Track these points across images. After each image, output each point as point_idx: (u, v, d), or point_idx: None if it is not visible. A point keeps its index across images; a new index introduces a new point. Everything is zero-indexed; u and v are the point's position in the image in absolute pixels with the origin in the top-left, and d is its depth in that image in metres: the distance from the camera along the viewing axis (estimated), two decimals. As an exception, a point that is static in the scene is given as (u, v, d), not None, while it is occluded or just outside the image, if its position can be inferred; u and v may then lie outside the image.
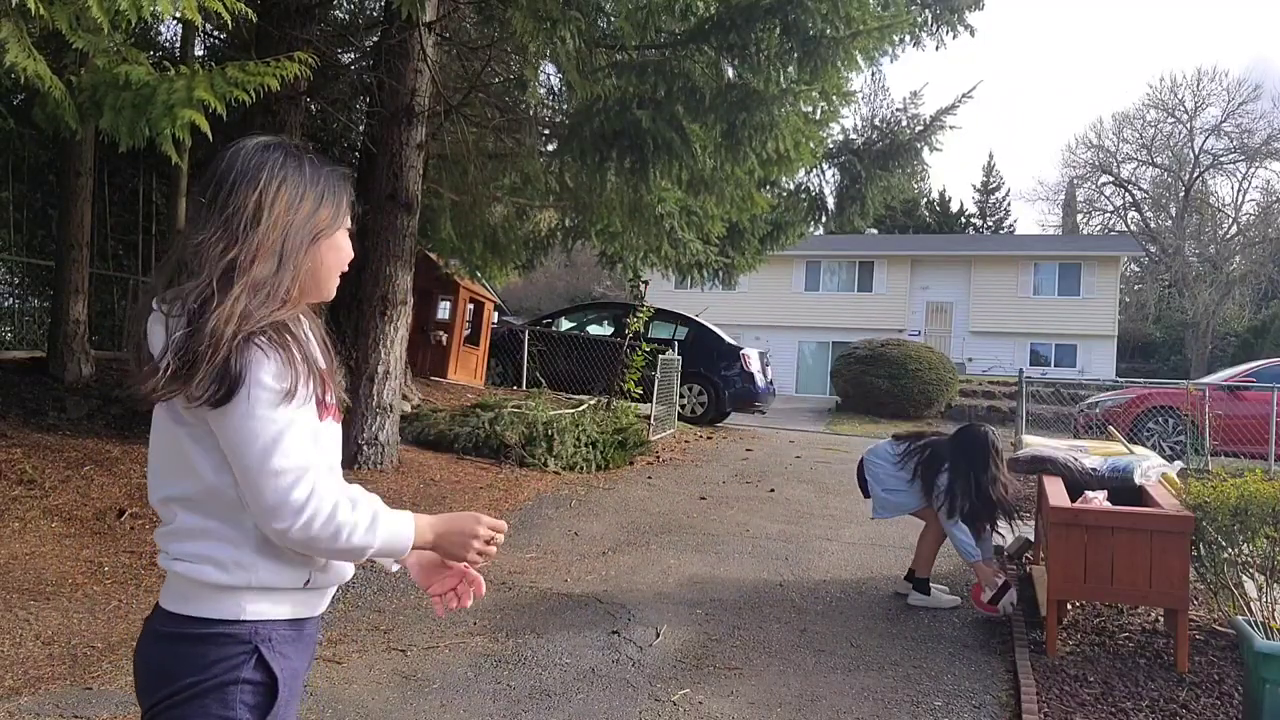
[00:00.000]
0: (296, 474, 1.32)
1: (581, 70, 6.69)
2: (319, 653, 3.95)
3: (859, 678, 4.03)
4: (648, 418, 10.46)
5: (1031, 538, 6.03)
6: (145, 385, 1.33)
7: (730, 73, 6.79)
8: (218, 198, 1.39)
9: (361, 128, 9.69)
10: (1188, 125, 37.97)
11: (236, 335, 1.31)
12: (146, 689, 1.39)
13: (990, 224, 43.79)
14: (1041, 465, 5.10)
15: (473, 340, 13.27)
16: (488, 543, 1.51)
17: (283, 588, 1.41)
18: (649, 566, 5.64)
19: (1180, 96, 38.25)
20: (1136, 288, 40.11)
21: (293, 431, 1.33)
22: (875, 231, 32.81)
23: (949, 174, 71.22)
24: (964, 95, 9.95)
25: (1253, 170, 38.74)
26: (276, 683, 1.38)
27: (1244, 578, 4.34)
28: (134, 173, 11.08)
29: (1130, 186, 39.91)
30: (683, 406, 12.16)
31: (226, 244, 1.36)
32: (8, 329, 10.89)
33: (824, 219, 11.09)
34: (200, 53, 10.22)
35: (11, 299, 11.20)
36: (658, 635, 4.42)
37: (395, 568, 1.59)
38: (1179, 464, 5.47)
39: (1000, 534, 5.35)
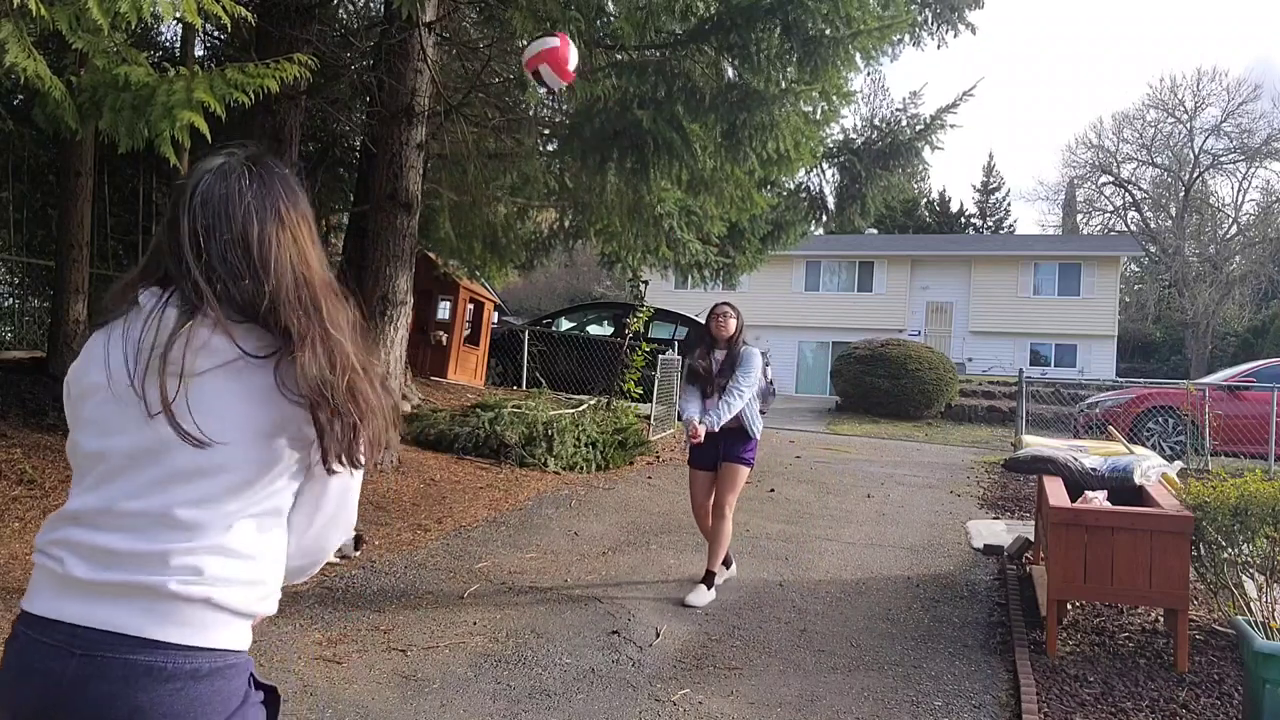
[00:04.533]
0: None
1: (581, 70, 6.69)
2: (319, 653, 3.95)
3: (859, 678, 4.03)
4: (648, 418, 10.46)
5: (1031, 538, 6.04)
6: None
7: (730, 73, 6.80)
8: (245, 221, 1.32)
9: (361, 127, 9.69)
10: (1188, 125, 37.96)
11: None
12: None
13: (990, 224, 43.80)
14: (1041, 465, 5.11)
15: (473, 340, 13.27)
16: None
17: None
18: (649, 566, 5.64)
19: (1180, 96, 38.27)
20: (1136, 288, 40.11)
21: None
22: (875, 231, 32.80)
23: (949, 174, 71.16)
24: (965, 93, 9.95)
25: (1253, 170, 38.74)
26: (277, 693, 1.35)
27: (1244, 578, 4.34)
28: (134, 173, 11.07)
29: (1130, 186, 39.89)
30: (683, 406, 12.15)
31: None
32: (8, 329, 10.89)
33: (824, 219, 11.10)
34: (200, 53, 10.21)
35: (11, 299, 11.20)
36: (658, 635, 4.43)
37: None
38: (1179, 464, 5.47)
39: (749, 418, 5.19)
